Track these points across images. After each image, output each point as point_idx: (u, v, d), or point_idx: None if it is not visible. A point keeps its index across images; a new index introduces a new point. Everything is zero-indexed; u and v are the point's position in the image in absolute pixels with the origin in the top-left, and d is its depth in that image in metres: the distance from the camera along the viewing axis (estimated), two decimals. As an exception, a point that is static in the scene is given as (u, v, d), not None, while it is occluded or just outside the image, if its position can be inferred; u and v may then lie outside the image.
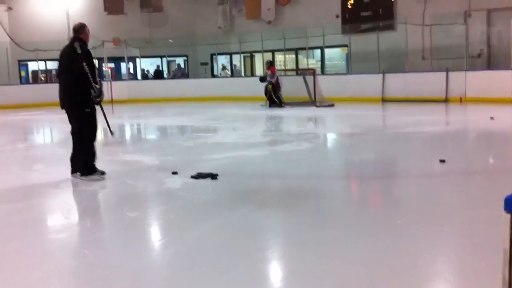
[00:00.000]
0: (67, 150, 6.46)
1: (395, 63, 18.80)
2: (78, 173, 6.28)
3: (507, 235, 1.62)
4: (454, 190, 5.67)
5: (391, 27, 19.48)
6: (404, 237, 4.03)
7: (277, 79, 16.64)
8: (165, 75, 25.51)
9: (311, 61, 22.68)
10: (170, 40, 23.79)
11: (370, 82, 18.13)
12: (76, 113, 6.21)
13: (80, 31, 6.30)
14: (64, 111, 6.35)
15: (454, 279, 3.32)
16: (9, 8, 22.97)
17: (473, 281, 3.16)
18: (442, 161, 6.78)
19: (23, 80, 24.13)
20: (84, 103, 6.17)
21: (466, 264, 3.49)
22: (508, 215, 1.62)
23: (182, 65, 26.35)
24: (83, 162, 6.28)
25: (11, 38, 22.59)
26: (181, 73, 25.43)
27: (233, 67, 25.27)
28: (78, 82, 6.08)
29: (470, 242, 3.90)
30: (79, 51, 6.04)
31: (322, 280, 3.25)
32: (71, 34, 6.53)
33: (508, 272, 1.63)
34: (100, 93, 6.17)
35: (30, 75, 24.97)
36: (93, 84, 6.06)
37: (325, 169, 7.05)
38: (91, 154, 6.34)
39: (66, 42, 6.44)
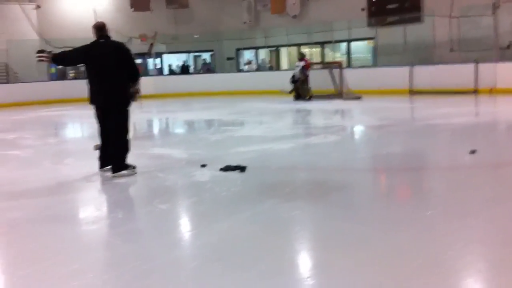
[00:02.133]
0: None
1: (422, 55, 18.57)
2: (110, 169, 6.35)
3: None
4: (484, 182, 5.60)
5: (418, 20, 19.25)
6: (433, 230, 4.01)
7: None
8: (191, 70, 25.66)
9: (337, 55, 22.56)
10: (196, 36, 23.91)
11: (397, 75, 17.94)
12: (121, 111, 6.29)
13: (106, 29, 6.38)
14: (93, 106, 6.40)
15: (485, 270, 3.30)
16: (38, 6, 23.35)
17: (504, 273, 3.13)
18: (473, 151, 6.70)
19: (53, 77, 24.53)
20: (128, 101, 6.35)
21: (497, 256, 3.45)
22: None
23: (208, 60, 26.49)
24: (123, 158, 6.35)
25: (39, 36, 22.96)
26: (207, 68, 25.58)
27: (259, 61, 25.28)
28: (126, 80, 6.27)
29: (500, 235, 3.86)
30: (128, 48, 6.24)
31: (350, 273, 3.25)
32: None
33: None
34: (139, 90, 6.44)
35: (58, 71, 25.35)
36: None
37: (353, 162, 7.03)
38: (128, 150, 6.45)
39: (93, 39, 6.46)
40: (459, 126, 9.79)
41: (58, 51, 6.94)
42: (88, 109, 6.73)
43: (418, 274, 3.18)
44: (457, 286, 3.08)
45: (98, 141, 6.51)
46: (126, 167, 6.36)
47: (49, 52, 6.52)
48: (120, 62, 6.23)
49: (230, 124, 11.83)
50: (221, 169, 6.32)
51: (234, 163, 6.53)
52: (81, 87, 6.40)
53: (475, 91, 16.09)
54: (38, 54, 6.48)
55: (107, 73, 6.21)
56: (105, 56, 6.24)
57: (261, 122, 12.00)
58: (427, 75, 17.28)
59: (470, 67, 16.35)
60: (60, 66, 24.52)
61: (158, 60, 25.64)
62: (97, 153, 6.51)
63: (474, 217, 4.28)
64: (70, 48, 6.62)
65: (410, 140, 8.57)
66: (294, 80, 16.75)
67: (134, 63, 6.42)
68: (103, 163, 6.47)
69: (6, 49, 21.17)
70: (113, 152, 6.33)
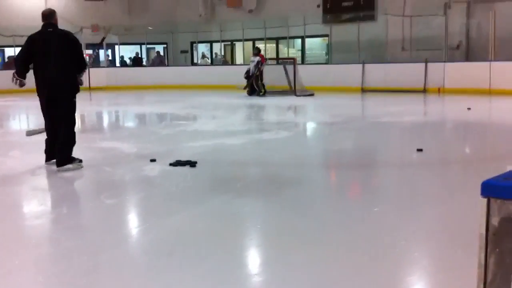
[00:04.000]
0: (42, 137, 6.36)
1: (375, 53, 18.88)
2: (55, 161, 6.15)
3: (484, 220, 1.63)
4: (431, 178, 5.73)
5: (372, 18, 19.53)
6: (381, 225, 4.06)
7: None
8: (144, 63, 25.28)
9: (292, 51, 22.66)
10: (150, 28, 23.55)
11: (350, 72, 18.20)
12: (68, 101, 6.11)
13: (53, 16, 6.19)
14: (38, 97, 6.20)
15: (431, 266, 3.35)
16: (-15, -7, 22.51)
17: (449, 268, 3.19)
18: (420, 150, 6.84)
19: (0, 67, 23.70)
20: (75, 92, 6.17)
21: (443, 251, 3.52)
22: (485, 200, 1.63)
23: (162, 53, 26.13)
24: (69, 151, 6.15)
25: (-13, 23, 22.13)
26: (160, 61, 25.24)
27: (214, 55, 25.14)
28: (73, 70, 6.10)
29: (446, 230, 3.94)
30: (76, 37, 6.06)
31: (299, 268, 3.25)
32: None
33: (484, 257, 1.64)
34: (81, 82, 6.36)
35: (5, 60, 24.52)
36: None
37: (304, 158, 7.07)
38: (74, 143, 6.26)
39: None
40: (408, 124, 10.00)
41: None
42: (35, 101, 6.51)
43: (365, 270, 3.20)
44: (403, 281, 3.11)
45: (43, 134, 6.31)
46: (72, 160, 6.17)
47: (13, 74, 6.20)
48: (67, 51, 6.05)
49: (182, 119, 11.71)
50: (171, 164, 6.22)
51: (185, 158, 6.44)
52: (29, 76, 6.14)
53: (424, 90, 16.48)
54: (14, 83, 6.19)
55: (53, 62, 5.99)
56: (51, 45, 6.03)
57: (214, 117, 11.94)
58: (379, 73, 17.58)
59: (420, 66, 16.73)
60: (7, 55, 23.84)
61: (110, 52, 25.12)
62: (43, 146, 6.31)
63: (421, 214, 4.36)
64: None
65: (361, 137, 8.70)
66: (248, 75, 16.72)
67: (81, 53, 6.30)
68: (49, 156, 6.27)
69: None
70: (58, 145, 6.13)
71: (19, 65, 6.18)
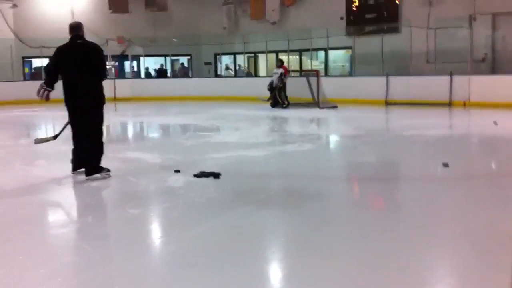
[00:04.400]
0: (69, 147, 6.45)
1: (399, 65, 18.75)
2: (84, 172, 6.24)
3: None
4: (456, 193, 5.65)
5: (395, 30, 19.44)
6: (405, 240, 4.03)
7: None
8: (168, 74, 25.54)
9: (315, 63, 22.67)
10: (174, 39, 23.81)
11: (374, 85, 18.10)
12: (96, 111, 6.22)
13: (80, 28, 6.32)
14: (66, 107, 6.30)
15: (456, 282, 3.31)
16: (14, 5, 23.00)
17: (475, 284, 3.15)
18: (445, 164, 6.76)
19: (27, 77, 24.18)
20: (103, 102, 6.28)
21: (468, 266, 3.47)
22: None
23: (186, 65, 26.40)
24: (98, 161, 6.27)
25: (15, 35, 22.62)
26: (184, 72, 25.50)
27: (237, 67, 25.28)
28: (100, 81, 6.22)
29: (472, 245, 3.89)
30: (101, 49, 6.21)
31: (321, 282, 3.24)
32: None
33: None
34: None
35: (32, 71, 25.01)
36: None
37: (327, 171, 7.04)
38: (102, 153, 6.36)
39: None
40: (433, 138, 9.89)
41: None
42: (62, 110, 6.62)
43: (390, 284, 3.18)
44: (427, 298, 3.08)
45: (70, 144, 6.40)
46: (100, 170, 6.27)
47: (41, 85, 6.34)
48: (93, 62, 6.16)
49: (206, 130, 11.77)
50: (195, 175, 6.27)
51: (208, 169, 6.48)
52: (56, 87, 6.27)
53: (449, 104, 16.31)
54: (40, 96, 6.33)
55: (80, 74, 6.11)
56: (78, 57, 6.16)
57: (237, 128, 11.97)
58: (403, 86, 17.45)
59: (445, 79, 16.56)
60: (34, 66, 24.30)
61: (135, 63, 25.44)
62: (69, 155, 6.41)
63: (445, 229, 4.31)
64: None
65: (384, 151, 8.64)
66: (271, 87, 16.76)
67: (103, 64, 6.41)
68: (76, 165, 6.37)
69: (-20, 48, 20.83)
70: (87, 154, 6.23)
71: (48, 76, 6.32)
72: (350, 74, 21.27)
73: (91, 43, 6.39)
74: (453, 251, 3.83)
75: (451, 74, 16.46)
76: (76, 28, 6.30)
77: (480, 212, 4.79)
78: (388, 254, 3.70)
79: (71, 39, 6.28)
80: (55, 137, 7.18)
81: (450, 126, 12.82)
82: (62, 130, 7.00)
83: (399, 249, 3.79)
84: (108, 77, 6.75)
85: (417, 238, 4.06)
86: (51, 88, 6.28)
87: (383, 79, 17.89)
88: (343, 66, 22.57)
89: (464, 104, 16.05)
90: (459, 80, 16.38)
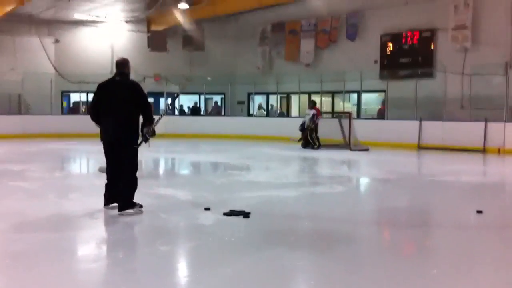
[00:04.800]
0: (103, 181, 6.57)
1: (432, 110, 18.63)
2: (117, 206, 6.34)
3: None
4: (490, 243, 5.54)
5: (430, 75, 19.40)
6: (437, 288, 3.95)
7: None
8: (201, 112, 25.91)
9: (347, 105, 22.71)
10: (209, 78, 24.23)
11: (407, 129, 18.00)
12: (130, 147, 6.33)
13: (126, 65, 6.49)
14: (101, 142, 6.45)
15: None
16: (56, 40, 23.82)
17: None
18: (479, 212, 6.64)
19: (65, 111, 24.84)
20: (137, 139, 6.40)
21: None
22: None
23: (219, 103, 26.77)
24: (131, 196, 6.36)
25: (56, 69, 23.35)
26: (217, 111, 25.85)
27: (270, 107, 25.50)
28: (136, 118, 6.33)
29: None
30: (141, 87, 6.33)
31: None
32: (114, 68, 6.67)
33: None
34: (153, 131, 6.56)
35: (71, 106, 25.70)
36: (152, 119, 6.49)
37: (358, 214, 6.98)
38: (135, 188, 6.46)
39: (109, 76, 6.60)
40: (467, 184, 9.75)
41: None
42: (97, 145, 6.78)
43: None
44: None
45: (104, 178, 6.52)
46: (133, 205, 6.35)
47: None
48: (131, 100, 6.28)
49: (236, 168, 11.84)
50: (225, 214, 6.30)
51: (238, 208, 6.51)
52: (87, 122, 6.45)
53: (484, 150, 16.08)
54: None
55: (117, 109, 6.25)
56: (116, 94, 6.31)
57: (267, 168, 12.01)
58: (437, 130, 17.31)
59: (479, 125, 16.38)
60: (73, 100, 24.93)
61: (169, 100, 25.88)
62: (102, 189, 6.52)
63: (480, 279, 4.21)
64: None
65: (417, 196, 8.53)
66: (303, 128, 16.83)
67: (147, 105, 6.44)
68: (108, 199, 6.47)
69: (22, 81, 21.51)
70: (121, 189, 6.32)
71: (91, 113, 6.50)
72: (383, 117, 21.20)
73: (132, 82, 6.51)
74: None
75: (486, 120, 16.28)
76: (120, 65, 6.48)
77: (515, 264, 4.68)
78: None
79: (114, 75, 6.46)
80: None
81: (484, 173, 12.61)
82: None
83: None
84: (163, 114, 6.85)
85: (449, 287, 3.98)
86: (98, 124, 6.44)
87: (416, 123, 17.79)
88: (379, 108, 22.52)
89: (499, 151, 15.80)
90: (494, 126, 16.18)
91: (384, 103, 21.43)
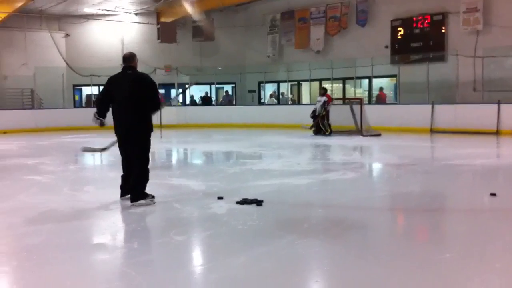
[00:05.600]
0: (117, 173, 6.62)
1: (445, 94, 18.52)
2: (130, 197, 6.40)
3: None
4: (505, 224, 5.52)
5: (441, 59, 19.27)
6: (452, 273, 3.95)
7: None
8: (213, 102, 25.96)
9: (359, 91, 22.62)
10: (219, 68, 24.26)
11: (419, 113, 17.93)
12: (142, 140, 6.38)
13: (133, 59, 6.52)
14: (114, 134, 6.52)
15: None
16: (67, 35, 23.97)
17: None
18: (493, 194, 6.62)
19: (77, 104, 25.02)
20: (150, 131, 6.44)
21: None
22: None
23: (230, 92, 26.82)
24: (143, 188, 6.41)
25: (67, 64, 23.50)
26: (228, 100, 25.89)
27: (280, 95, 25.49)
28: (147, 111, 6.37)
29: (521, 280, 3.79)
30: (152, 80, 6.36)
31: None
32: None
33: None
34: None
35: (83, 99, 25.89)
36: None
37: (371, 200, 6.98)
38: (147, 180, 6.51)
39: (120, 69, 6.62)
40: (480, 167, 9.69)
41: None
42: (111, 137, 6.83)
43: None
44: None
45: (120, 169, 6.56)
46: (145, 196, 6.40)
47: (94, 114, 6.61)
48: (142, 93, 6.31)
49: (248, 157, 11.86)
50: (238, 202, 6.34)
51: (251, 197, 6.54)
52: (108, 114, 6.50)
53: (497, 132, 15.96)
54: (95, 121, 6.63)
55: (128, 103, 6.30)
56: (127, 87, 6.34)
57: (280, 156, 12.02)
58: (449, 114, 17.23)
59: (492, 107, 16.26)
60: (85, 94, 25.09)
61: (180, 91, 25.98)
62: (116, 181, 6.57)
63: (494, 262, 4.20)
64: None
65: (430, 180, 8.50)
66: (314, 115, 16.81)
67: (155, 95, 6.47)
68: (124, 191, 6.53)
69: (33, 76, 21.68)
70: (132, 181, 6.38)
71: (99, 105, 6.56)
72: (395, 102, 21.11)
73: (141, 74, 6.54)
74: (500, 285, 3.74)
75: (499, 102, 16.15)
76: (128, 59, 6.51)
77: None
78: (433, 286, 3.64)
79: (123, 69, 6.50)
80: (102, 149, 7.39)
81: (497, 156, 12.53)
82: (110, 146, 7.15)
83: (443, 282, 3.72)
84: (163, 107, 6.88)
85: (463, 270, 3.98)
86: (102, 118, 6.51)
87: (428, 107, 17.69)
88: (392, 94, 22.39)
89: (513, 133, 15.69)
90: (507, 108, 16.07)
91: (381, 89, 21.38)
